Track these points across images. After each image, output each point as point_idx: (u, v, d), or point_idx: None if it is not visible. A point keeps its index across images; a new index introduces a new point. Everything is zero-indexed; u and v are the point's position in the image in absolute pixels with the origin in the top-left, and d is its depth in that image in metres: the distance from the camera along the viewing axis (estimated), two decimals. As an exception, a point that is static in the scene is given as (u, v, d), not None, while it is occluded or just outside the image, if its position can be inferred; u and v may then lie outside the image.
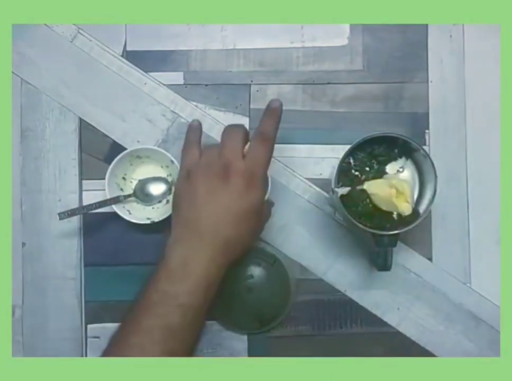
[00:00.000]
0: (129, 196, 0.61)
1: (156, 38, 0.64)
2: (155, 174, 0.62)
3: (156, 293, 0.50)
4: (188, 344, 0.51)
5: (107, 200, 0.59)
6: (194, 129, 0.57)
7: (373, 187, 0.54)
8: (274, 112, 0.52)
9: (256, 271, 0.60)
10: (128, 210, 0.60)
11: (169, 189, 0.62)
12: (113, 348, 0.50)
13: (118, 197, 0.59)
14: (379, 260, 0.56)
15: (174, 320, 0.48)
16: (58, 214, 0.58)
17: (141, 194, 0.62)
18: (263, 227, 0.57)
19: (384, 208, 0.54)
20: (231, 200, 0.51)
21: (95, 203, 0.59)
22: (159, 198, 0.62)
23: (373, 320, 0.63)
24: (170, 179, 0.62)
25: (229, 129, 0.54)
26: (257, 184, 0.51)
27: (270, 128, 0.52)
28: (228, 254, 0.51)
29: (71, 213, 0.58)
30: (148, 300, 0.50)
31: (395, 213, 0.55)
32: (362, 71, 0.64)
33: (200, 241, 0.51)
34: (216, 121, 0.63)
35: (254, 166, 0.51)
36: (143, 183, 0.62)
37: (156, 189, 0.62)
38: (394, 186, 0.53)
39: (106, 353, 0.50)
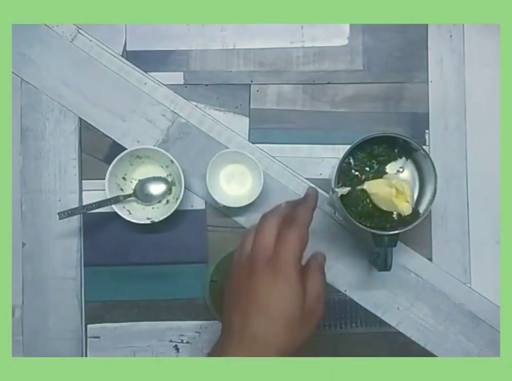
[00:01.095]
0: (129, 195, 0.61)
1: (156, 38, 0.64)
2: (155, 174, 0.62)
3: None
4: None
5: (107, 200, 0.59)
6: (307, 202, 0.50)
7: (373, 186, 0.54)
8: (310, 198, 0.50)
9: None
10: (128, 210, 0.60)
11: (169, 189, 0.62)
12: None
13: (118, 196, 0.59)
14: (379, 260, 0.56)
15: None
16: (58, 213, 0.58)
17: (141, 194, 0.62)
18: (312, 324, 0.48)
19: (384, 208, 0.54)
20: (275, 298, 0.45)
21: (95, 203, 0.59)
22: (159, 198, 0.62)
23: (373, 320, 0.63)
24: (170, 179, 0.62)
25: (289, 223, 0.48)
26: (287, 273, 0.45)
27: (305, 213, 0.49)
28: (261, 352, 0.46)
29: (71, 213, 0.58)
30: None
31: (395, 213, 0.55)
32: (362, 71, 0.64)
33: (227, 338, 0.47)
34: (216, 121, 0.63)
35: (283, 254, 0.46)
36: (143, 183, 0.62)
37: (156, 189, 0.62)
38: (394, 185, 0.53)
39: None
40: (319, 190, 0.63)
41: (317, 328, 0.48)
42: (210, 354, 0.48)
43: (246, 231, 0.50)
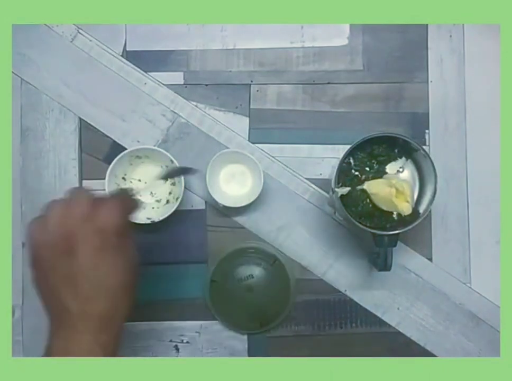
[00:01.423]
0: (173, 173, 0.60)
1: (156, 38, 0.64)
2: (155, 174, 0.62)
3: None
4: None
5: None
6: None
7: (373, 186, 0.54)
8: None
9: (256, 271, 0.60)
10: None
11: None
12: None
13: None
14: (379, 260, 0.56)
15: None
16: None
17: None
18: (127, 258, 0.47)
19: (384, 208, 0.54)
20: (87, 268, 0.44)
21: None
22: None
23: (373, 320, 0.63)
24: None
25: (70, 195, 0.47)
26: (112, 243, 0.44)
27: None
28: (112, 325, 0.46)
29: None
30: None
31: (395, 213, 0.55)
32: (362, 71, 0.64)
33: (72, 328, 0.46)
34: (216, 121, 0.63)
35: (106, 222, 0.44)
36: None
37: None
38: (394, 185, 0.53)
39: None
40: (319, 189, 0.63)
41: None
42: (50, 344, 0.47)
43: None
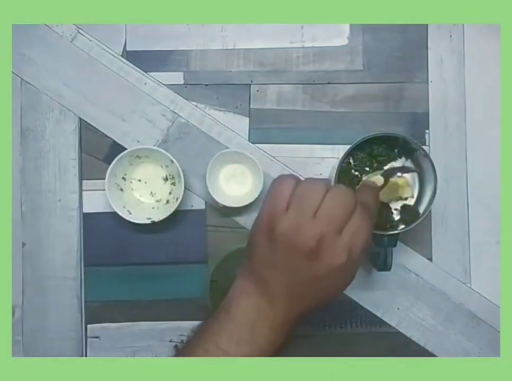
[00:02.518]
0: None
1: (156, 38, 0.64)
2: (155, 174, 0.62)
3: (216, 349, 0.44)
4: None
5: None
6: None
7: (372, 177, 0.54)
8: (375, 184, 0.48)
9: None
10: (128, 210, 0.60)
11: (167, 177, 0.62)
12: None
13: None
14: (379, 260, 0.56)
15: None
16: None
17: None
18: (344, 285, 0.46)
19: (386, 198, 0.54)
20: (319, 280, 0.42)
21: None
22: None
23: (373, 320, 0.63)
24: (165, 170, 0.62)
25: (335, 190, 0.43)
26: (354, 264, 0.43)
27: (372, 199, 0.46)
28: (302, 318, 0.45)
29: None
30: (205, 352, 0.45)
31: (394, 213, 0.55)
32: (362, 71, 0.64)
33: (270, 307, 0.44)
34: (216, 121, 0.63)
35: (352, 246, 0.42)
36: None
37: None
38: None
39: None
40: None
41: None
42: (233, 305, 0.45)
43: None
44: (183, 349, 0.48)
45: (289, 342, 0.46)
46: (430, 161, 0.53)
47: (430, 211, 0.57)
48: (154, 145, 0.63)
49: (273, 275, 0.43)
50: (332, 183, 0.55)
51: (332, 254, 0.41)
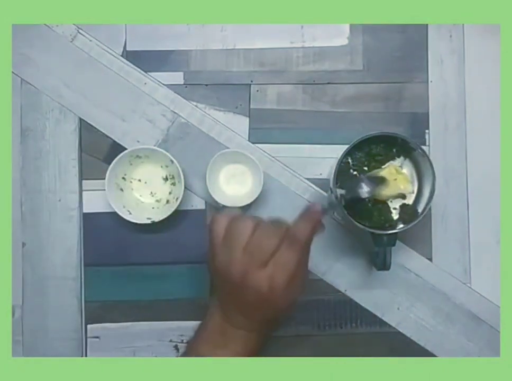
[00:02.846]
0: None
1: (156, 38, 0.64)
2: (155, 174, 0.62)
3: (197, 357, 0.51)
4: None
5: None
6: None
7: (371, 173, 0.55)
8: (311, 214, 0.47)
9: None
10: (128, 210, 0.60)
11: (167, 177, 0.63)
12: None
13: None
14: (378, 260, 0.56)
15: None
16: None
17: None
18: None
19: (386, 195, 0.54)
20: (250, 302, 0.48)
21: None
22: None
23: (373, 320, 0.63)
24: (165, 170, 0.63)
25: (263, 227, 0.48)
26: (281, 291, 0.47)
27: (304, 230, 0.47)
28: (260, 325, 0.51)
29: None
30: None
31: (393, 212, 0.55)
32: (362, 71, 0.64)
33: (240, 315, 0.50)
34: (216, 121, 0.63)
35: (275, 277, 0.46)
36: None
37: None
38: (394, 167, 0.54)
39: None
40: (319, 189, 0.63)
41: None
42: (209, 319, 0.52)
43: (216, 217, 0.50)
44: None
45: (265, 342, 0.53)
46: (429, 160, 0.53)
47: (430, 211, 0.57)
48: (154, 145, 0.63)
49: (222, 299, 0.51)
50: (331, 183, 0.55)
51: (254, 285, 0.47)
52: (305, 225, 0.47)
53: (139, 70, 0.64)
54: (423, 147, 0.54)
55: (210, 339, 0.51)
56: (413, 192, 0.56)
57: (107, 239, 0.63)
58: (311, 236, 0.47)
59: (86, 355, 0.62)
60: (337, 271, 0.63)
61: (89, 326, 0.63)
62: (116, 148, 0.63)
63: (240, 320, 0.50)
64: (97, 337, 0.63)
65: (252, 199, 0.60)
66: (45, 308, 0.63)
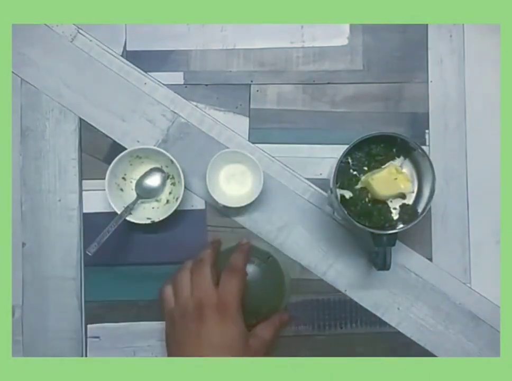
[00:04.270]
0: (136, 200, 0.61)
1: (156, 38, 0.64)
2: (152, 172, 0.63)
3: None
4: None
5: (121, 214, 0.59)
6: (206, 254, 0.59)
7: (373, 176, 0.54)
8: (243, 248, 0.60)
9: (249, 268, 0.60)
10: None
11: (167, 177, 0.62)
12: None
13: (127, 207, 0.59)
14: (378, 260, 0.56)
15: None
16: (87, 251, 0.58)
17: (144, 193, 0.62)
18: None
19: (386, 194, 0.54)
20: (212, 334, 0.53)
21: (112, 224, 0.59)
22: (161, 188, 0.62)
23: (373, 320, 0.63)
24: (165, 170, 0.62)
25: (196, 266, 0.57)
26: (232, 315, 0.54)
27: (239, 261, 0.58)
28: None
29: (97, 243, 0.58)
30: None
31: (393, 212, 0.55)
32: (362, 71, 0.64)
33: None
34: (216, 121, 0.63)
35: (227, 298, 0.54)
36: (140, 181, 0.62)
37: (154, 180, 0.62)
38: (394, 167, 0.54)
39: None
40: (318, 189, 0.63)
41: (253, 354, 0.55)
42: None
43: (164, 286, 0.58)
44: None
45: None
46: (429, 160, 0.53)
47: (430, 211, 0.57)
48: (154, 145, 0.63)
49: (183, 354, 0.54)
50: (330, 183, 0.55)
51: (211, 311, 0.54)
52: (240, 255, 0.59)
53: (139, 70, 0.64)
54: (423, 147, 0.54)
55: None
56: (413, 192, 0.56)
57: (107, 239, 0.63)
58: (245, 264, 0.59)
59: (86, 355, 0.62)
60: (337, 271, 0.63)
61: (89, 326, 0.63)
62: (116, 148, 0.63)
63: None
64: (97, 337, 0.63)
65: (252, 199, 0.60)
66: (45, 308, 0.63)
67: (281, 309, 0.62)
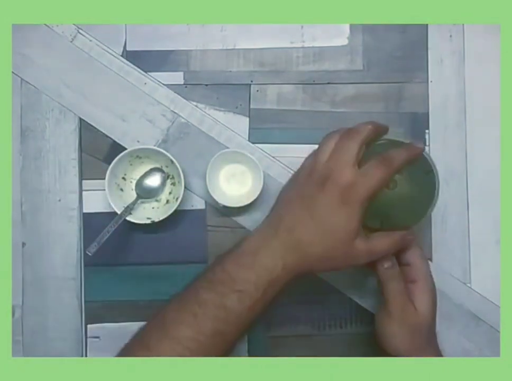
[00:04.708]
0: (136, 200, 0.61)
1: (156, 38, 0.64)
2: (153, 172, 0.63)
3: (221, 272, 0.50)
4: (238, 330, 0.50)
5: (121, 214, 0.59)
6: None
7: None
8: (414, 150, 0.51)
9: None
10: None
11: (167, 177, 0.62)
12: (170, 309, 0.50)
13: (127, 207, 0.59)
14: None
15: (230, 303, 0.48)
16: (87, 251, 0.57)
17: (144, 193, 0.62)
18: (352, 260, 0.50)
19: None
20: (320, 210, 0.48)
21: (112, 224, 0.59)
22: (161, 188, 0.62)
23: (373, 320, 0.62)
24: (165, 170, 0.62)
25: (347, 135, 0.51)
26: (354, 205, 0.48)
27: (399, 157, 0.49)
28: (300, 259, 0.49)
29: (97, 244, 0.58)
30: (212, 275, 0.50)
31: None
32: (362, 71, 0.64)
33: (274, 235, 0.50)
34: (216, 121, 0.63)
35: (358, 186, 0.48)
36: (140, 181, 0.62)
37: (154, 181, 0.62)
38: None
39: (163, 311, 0.51)
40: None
41: (353, 267, 0.51)
42: (245, 239, 0.51)
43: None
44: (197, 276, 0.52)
45: (276, 301, 0.51)
46: (437, 179, 0.52)
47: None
48: (154, 145, 0.63)
49: (288, 209, 0.51)
50: None
51: (333, 188, 0.48)
52: (403, 152, 0.50)
53: (139, 70, 0.64)
54: (433, 161, 0.52)
55: (240, 257, 0.50)
56: None
57: (107, 239, 0.63)
58: (403, 164, 0.50)
59: (86, 355, 0.62)
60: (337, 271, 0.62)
61: (89, 326, 0.63)
62: (116, 148, 0.63)
63: (286, 237, 0.50)
64: (97, 337, 0.63)
65: (251, 199, 0.60)
66: (45, 308, 0.63)
67: (410, 228, 0.55)
